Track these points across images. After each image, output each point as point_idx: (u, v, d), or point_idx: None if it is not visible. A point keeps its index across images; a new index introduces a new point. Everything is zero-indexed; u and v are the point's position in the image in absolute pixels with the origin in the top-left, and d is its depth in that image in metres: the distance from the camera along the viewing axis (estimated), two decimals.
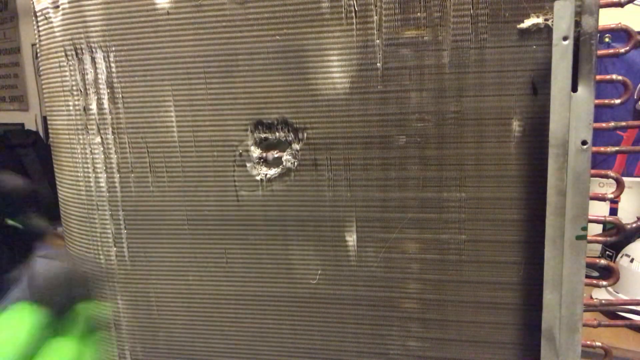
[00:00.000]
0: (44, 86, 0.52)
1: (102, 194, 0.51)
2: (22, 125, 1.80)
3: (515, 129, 0.40)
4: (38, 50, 0.52)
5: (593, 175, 0.37)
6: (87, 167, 0.51)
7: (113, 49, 0.47)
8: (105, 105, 0.49)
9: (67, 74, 0.49)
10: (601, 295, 0.94)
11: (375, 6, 0.41)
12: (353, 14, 0.41)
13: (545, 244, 0.37)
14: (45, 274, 0.28)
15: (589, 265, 0.38)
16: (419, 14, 0.40)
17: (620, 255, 0.98)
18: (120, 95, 0.48)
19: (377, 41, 0.41)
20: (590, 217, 0.37)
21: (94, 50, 0.48)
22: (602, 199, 0.39)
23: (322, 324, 0.47)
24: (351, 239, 0.45)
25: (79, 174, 0.51)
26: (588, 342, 0.40)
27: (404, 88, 0.41)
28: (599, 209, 0.97)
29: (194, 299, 0.50)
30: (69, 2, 0.47)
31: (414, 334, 0.45)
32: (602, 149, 0.39)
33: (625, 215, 1.10)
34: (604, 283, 0.41)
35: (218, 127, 0.46)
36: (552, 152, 0.36)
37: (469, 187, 0.42)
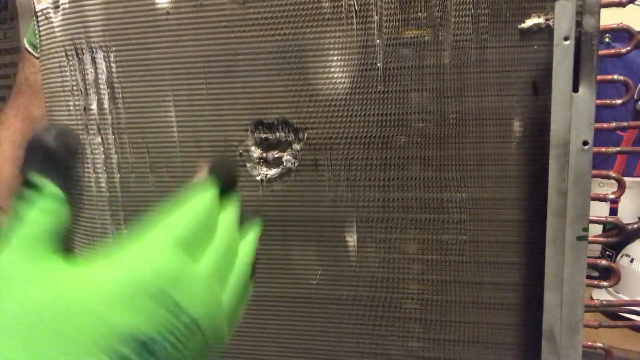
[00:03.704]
0: (44, 86, 0.52)
1: (102, 193, 0.51)
2: None
3: (516, 129, 0.40)
4: (38, 50, 0.52)
5: (594, 176, 0.37)
6: (88, 167, 0.51)
7: (113, 48, 0.47)
8: (106, 105, 0.49)
9: (68, 74, 0.49)
10: (601, 295, 0.94)
11: (376, 6, 0.41)
12: (353, 14, 0.41)
13: (546, 245, 0.37)
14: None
15: (590, 266, 0.38)
16: (419, 13, 0.40)
17: (620, 255, 0.98)
18: (121, 95, 0.48)
19: (378, 41, 0.41)
20: (590, 217, 0.37)
21: (94, 50, 0.48)
22: (602, 199, 0.39)
23: (322, 324, 0.47)
24: (351, 239, 0.45)
25: (79, 174, 0.51)
26: (589, 343, 0.40)
27: (405, 88, 0.41)
28: (599, 209, 0.97)
29: None
30: (69, 2, 0.47)
31: (414, 334, 0.45)
32: (603, 149, 0.39)
33: (626, 215, 1.10)
34: (605, 284, 0.41)
35: (218, 127, 0.46)
36: (553, 152, 0.36)
37: (469, 187, 0.42)
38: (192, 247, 0.23)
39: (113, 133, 0.49)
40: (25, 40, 0.57)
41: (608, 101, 0.38)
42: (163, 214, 0.24)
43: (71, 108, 0.50)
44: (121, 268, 0.21)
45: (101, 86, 0.48)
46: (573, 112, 0.35)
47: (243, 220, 0.29)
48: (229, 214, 0.27)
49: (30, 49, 0.56)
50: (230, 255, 0.26)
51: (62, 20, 0.48)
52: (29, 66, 0.56)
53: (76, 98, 0.50)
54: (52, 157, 0.22)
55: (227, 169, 0.28)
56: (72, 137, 0.23)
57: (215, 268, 0.24)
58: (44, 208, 0.21)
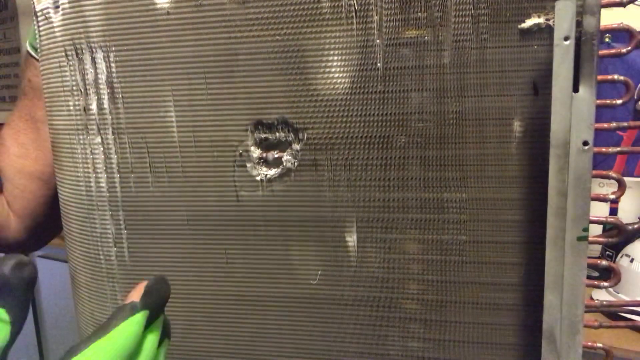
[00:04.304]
0: (44, 86, 0.52)
1: (102, 194, 0.51)
2: None
3: (516, 130, 0.40)
4: (39, 51, 0.52)
5: (594, 176, 0.37)
6: (87, 168, 0.51)
7: (113, 49, 0.47)
8: (106, 106, 0.49)
9: (67, 74, 0.49)
10: (601, 295, 0.94)
11: (376, 6, 0.40)
12: (353, 14, 0.41)
13: (546, 245, 0.37)
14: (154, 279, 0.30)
15: (590, 266, 0.38)
16: (419, 13, 0.40)
17: (620, 255, 0.98)
18: (120, 96, 0.48)
19: (378, 41, 0.41)
20: (590, 217, 0.37)
21: (94, 50, 0.47)
22: (602, 199, 0.39)
23: (322, 325, 0.47)
24: (351, 239, 0.45)
25: (79, 174, 0.51)
26: (589, 343, 0.40)
27: (405, 88, 0.41)
28: (599, 210, 0.97)
29: (194, 299, 0.50)
30: (69, 2, 0.47)
31: (414, 334, 0.45)
32: (603, 149, 0.39)
33: (626, 215, 1.10)
34: (605, 284, 0.41)
35: (218, 127, 0.46)
36: (553, 152, 0.36)
37: (469, 187, 0.42)
38: None
39: (113, 133, 0.49)
40: (27, 43, 0.57)
41: (608, 101, 0.38)
42: (89, 339, 0.25)
43: (71, 108, 0.50)
44: None
45: (101, 86, 0.48)
46: (573, 112, 0.35)
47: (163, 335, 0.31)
48: (153, 335, 0.29)
49: (32, 52, 0.57)
50: None
51: (62, 20, 0.48)
52: (32, 69, 0.58)
53: (76, 98, 0.50)
54: (7, 285, 0.24)
55: (160, 294, 0.30)
56: (29, 268, 0.25)
57: None
58: None
